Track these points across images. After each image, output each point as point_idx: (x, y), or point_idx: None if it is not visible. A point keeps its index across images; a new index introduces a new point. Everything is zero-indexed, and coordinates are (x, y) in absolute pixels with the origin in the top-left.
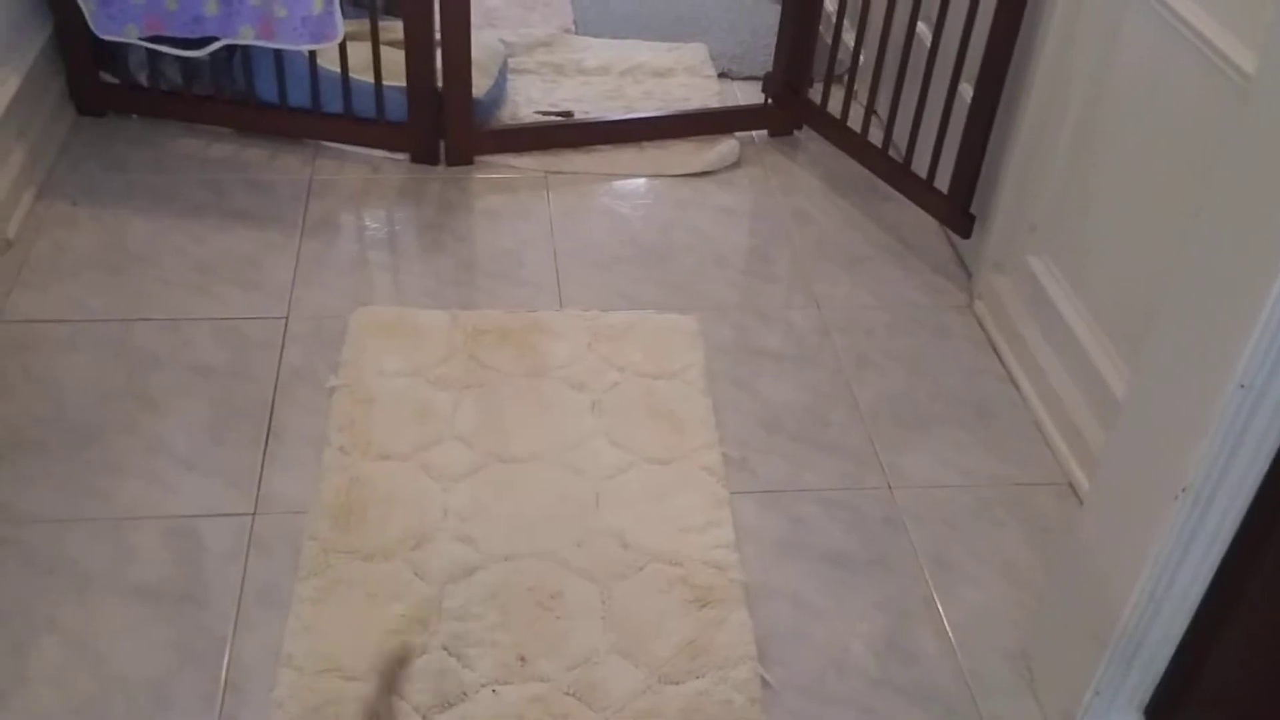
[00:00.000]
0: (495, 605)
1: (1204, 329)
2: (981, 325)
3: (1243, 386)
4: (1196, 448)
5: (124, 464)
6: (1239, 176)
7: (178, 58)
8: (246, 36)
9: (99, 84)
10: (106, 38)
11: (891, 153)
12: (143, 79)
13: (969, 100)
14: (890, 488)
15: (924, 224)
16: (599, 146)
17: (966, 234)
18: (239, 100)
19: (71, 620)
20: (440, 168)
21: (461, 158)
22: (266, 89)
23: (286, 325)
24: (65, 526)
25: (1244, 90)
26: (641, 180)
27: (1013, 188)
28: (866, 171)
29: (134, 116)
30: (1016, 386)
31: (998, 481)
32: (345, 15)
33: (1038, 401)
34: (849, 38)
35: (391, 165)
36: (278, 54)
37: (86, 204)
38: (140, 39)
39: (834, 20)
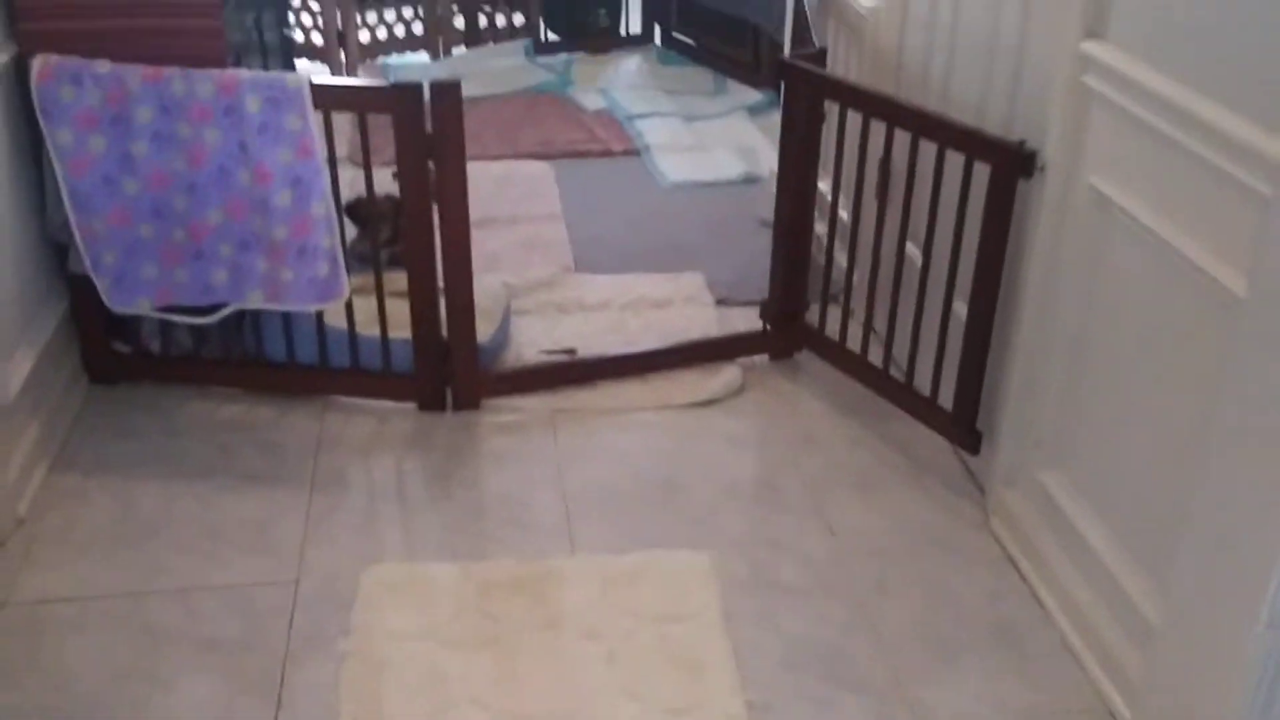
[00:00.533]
0: None
1: (1230, 565)
2: (1000, 543)
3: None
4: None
5: None
6: (1241, 401)
7: (189, 324)
8: (255, 301)
9: (112, 354)
10: (120, 311)
11: (893, 370)
12: (155, 347)
13: (964, 317)
14: None
15: (933, 441)
16: (603, 382)
17: (975, 451)
18: (248, 361)
19: None
20: (448, 414)
21: (468, 403)
22: (275, 349)
23: (296, 589)
24: None
25: (1235, 311)
26: (647, 413)
27: (1017, 403)
28: (871, 390)
29: (145, 383)
30: (1042, 606)
31: (1034, 712)
32: (351, 269)
33: (1065, 621)
34: (841, 257)
35: (399, 415)
36: (285, 314)
37: (99, 475)
38: (153, 310)
39: (825, 242)
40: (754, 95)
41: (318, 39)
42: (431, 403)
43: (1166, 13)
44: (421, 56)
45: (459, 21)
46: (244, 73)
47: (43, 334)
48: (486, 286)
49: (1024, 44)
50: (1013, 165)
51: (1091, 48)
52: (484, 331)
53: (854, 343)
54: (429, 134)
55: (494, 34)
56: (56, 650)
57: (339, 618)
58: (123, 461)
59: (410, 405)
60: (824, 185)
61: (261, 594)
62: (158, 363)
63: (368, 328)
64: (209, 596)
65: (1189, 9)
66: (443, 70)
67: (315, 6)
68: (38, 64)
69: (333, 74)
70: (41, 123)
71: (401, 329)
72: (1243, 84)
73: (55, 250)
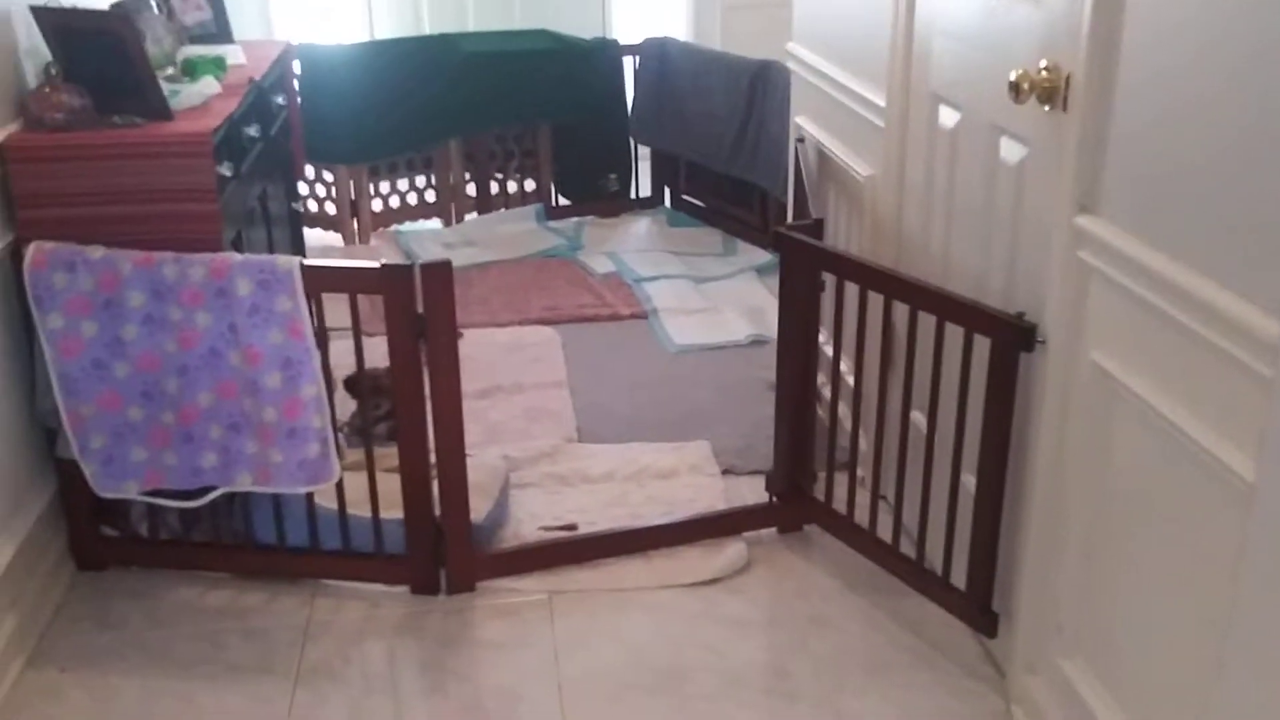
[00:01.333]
0: None
1: None
2: None
3: None
4: None
5: None
6: (1259, 592)
7: (178, 507)
8: (244, 484)
9: (99, 539)
10: (108, 496)
11: (904, 545)
12: (143, 530)
13: (974, 490)
14: None
15: (948, 620)
16: (604, 560)
17: (991, 633)
18: (237, 545)
19: None
20: (441, 597)
21: (462, 585)
22: (265, 531)
23: None
24: None
25: (1246, 497)
26: (650, 593)
27: (1033, 585)
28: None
29: (134, 568)
30: None
31: None
32: (350, 444)
33: None
34: (847, 425)
35: (391, 599)
36: (275, 496)
37: (76, 669)
38: (141, 494)
39: (830, 408)
40: (763, 256)
41: (331, 209)
42: (424, 585)
43: (1157, 187)
44: (434, 223)
45: (471, 188)
46: (235, 256)
47: (27, 521)
48: (485, 460)
49: (1019, 216)
50: (1012, 338)
51: (1085, 223)
52: (480, 509)
53: (863, 514)
54: (419, 314)
55: (506, 200)
56: None
57: None
58: (104, 654)
59: (403, 588)
60: (828, 348)
61: None
62: (146, 547)
63: (363, 506)
64: None
65: (1179, 184)
66: (455, 236)
67: (328, 177)
68: (31, 251)
69: (345, 242)
70: (33, 309)
71: (397, 508)
72: (1237, 262)
73: (44, 435)
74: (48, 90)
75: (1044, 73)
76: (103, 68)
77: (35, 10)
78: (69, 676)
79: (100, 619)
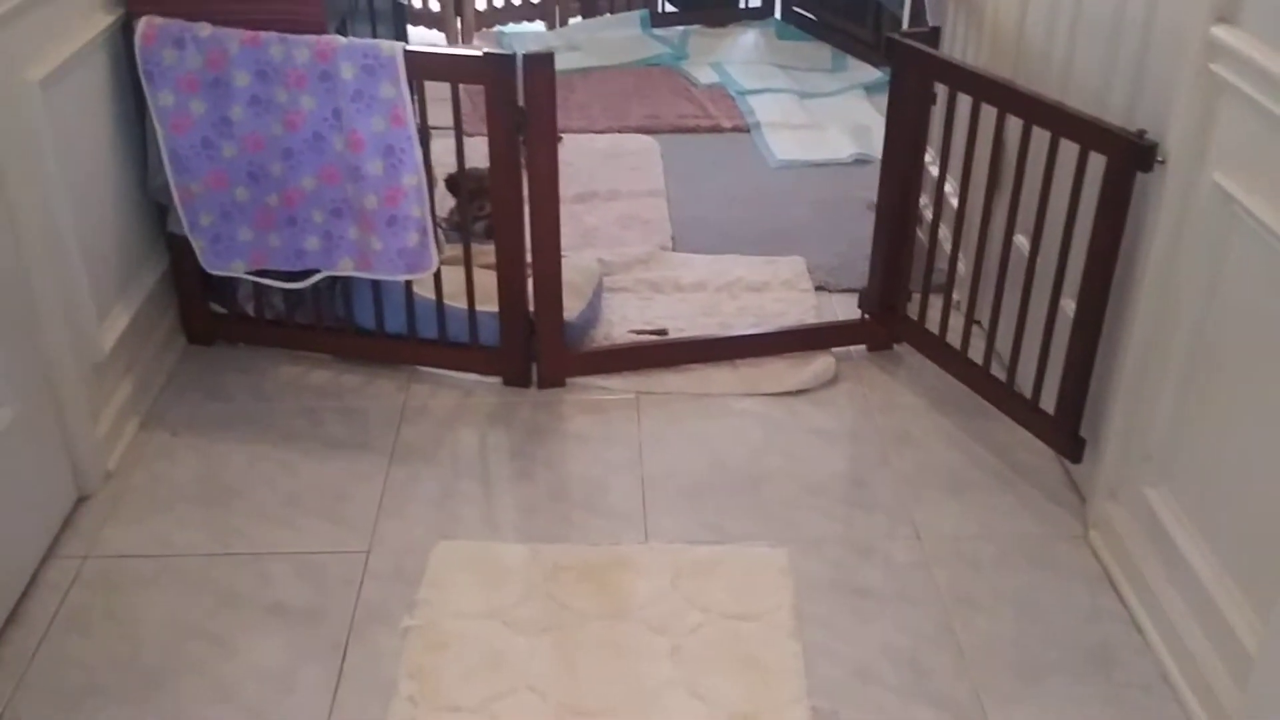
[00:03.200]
0: None
1: None
2: (1098, 558)
3: None
4: None
5: (192, 712)
6: None
7: (282, 288)
8: (346, 268)
9: (209, 314)
10: (215, 273)
11: (995, 368)
12: (249, 309)
13: (1072, 315)
14: None
15: (1033, 444)
16: (692, 365)
17: (1076, 459)
18: (338, 328)
19: None
20: (532, 390)
21: (553, 381)
22: (364, 316)
23: (367, 561)
24: None
25: None
26: (735, 400)
27: (1124, 412)
28: (970, 389)
29: (240, 345)
30: (1139, 630)
31: None
32: (448, 239)
33: (1163, 648)
34: (946, 247)
35: (484, 389)
36: (375, 283)
37: (187, 434)
38: (247, 273)
39: (930, 230)
40: (873, 73)
41: (435, 5)
42: (516, 378)
43: None
44: (538, 25)
45: None
46: (340, 39)
47: (141, 292)
48: (580, 262)
49: (1150, 25)
50: (1130, 157)
51: (1222, 33)
52: (573, 308)
53: (955, 337)
54: (520, 107)
55: (611, 4)
56: (130, 604)
57: (406, 592)
58: (211, 422)
59: (495, 380)
60: (933, 168)
61: (333, 563)
62: (252, 325)
63: (460, 299)
64: (281, 562)
65: None
66: (558, 40)
67: None
68: (142, 26)
69: (449, 41)
70: (144, 84)
71: (493, 302)
72: None
73: (156, 211)
74: None
75: None
76: None
77: None
78: (179, 440)
79: (208, 390)
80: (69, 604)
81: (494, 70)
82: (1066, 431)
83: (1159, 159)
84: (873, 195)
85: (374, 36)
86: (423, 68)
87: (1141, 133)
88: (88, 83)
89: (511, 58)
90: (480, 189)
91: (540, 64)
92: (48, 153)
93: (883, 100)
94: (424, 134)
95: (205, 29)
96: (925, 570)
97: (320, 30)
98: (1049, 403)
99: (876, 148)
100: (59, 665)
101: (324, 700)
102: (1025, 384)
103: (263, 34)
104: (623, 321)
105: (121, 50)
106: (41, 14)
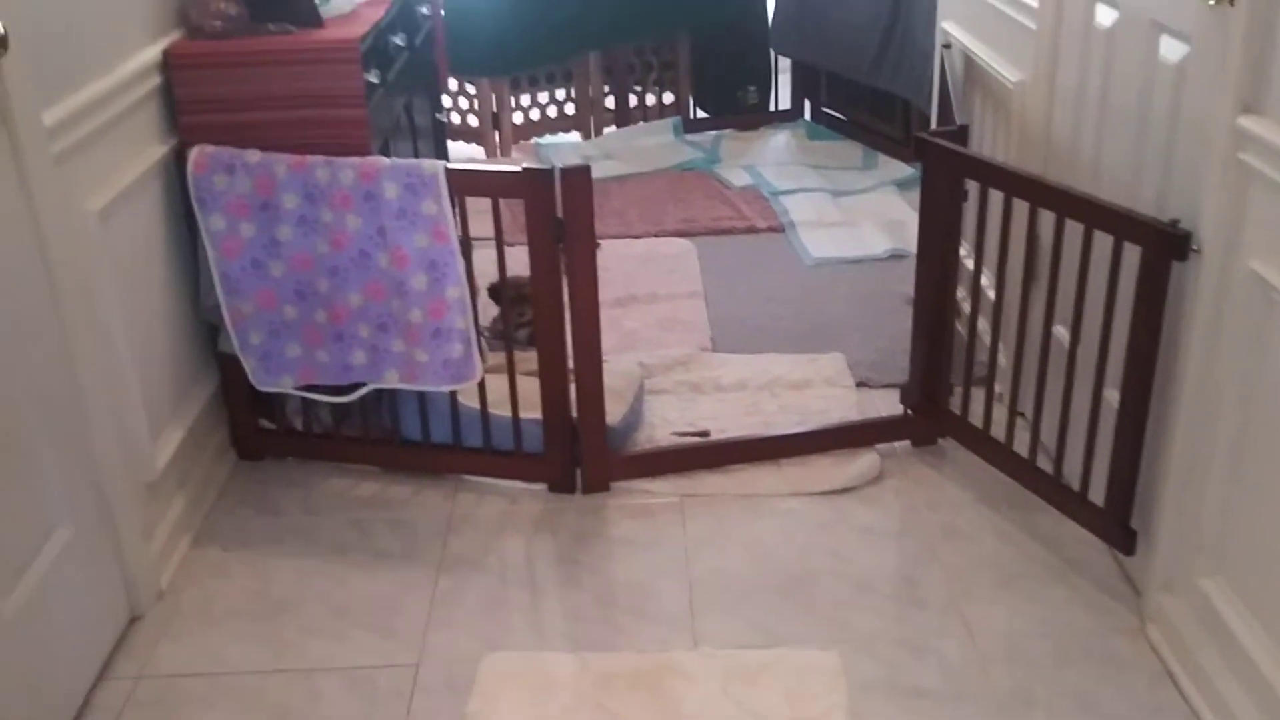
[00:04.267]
0: None
1: None
2: (1156, 651)
3: None
4: None
5: None
6: None
7: (329, 402)
8: (391, 381)
9: (258, 430)
10: (265, 389)
11: (1040, 460)
12: (297, 424)
13: (1116, 405)
14: None
15: (1084, 536)
16: (736, 466)
17: (1129, 551)
18: (385, 439)
19: None
20: (577, 496)
21: (597, 485)
22: (411, 428)
23: (417, 673)
24: None
25: None
26: (780, 500)
27: (1175, 501)
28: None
29: (289, 459)
30: None
31: None
32: (491, 347)
33: None
34: (986, 339)
35: (529, 496)
36: (421, 395)
37: (238, 549)
38: (295, 389)
39: (969, 323)
40: (904, 170)
41: (473, 121)
42: (561, 484)
43: None
44: (573, 136)
45: (610, 101)
46: (383, 160)
47: (192, 411)
48: (621, 366)
49: (1177, 118)
50: (1165, 247)
51: (1249, 123)
52: (615, 413)
53: (999, 429)
54: (559, 218)
55: (644, 113)
56: None
57: (456, 704)
58: (262, 537)
59: (540, 486)
60: (969, 261)
61: (383, 676)
62: (300, 439)
63: (503, 406)
64: (333, 678)
65: None
66: (594, 149)
67: (471, 90)
68: (194, 154)
69: (487, 155)
70: (196, 209)
71: (536, 409)
72: None
73: (207, 331)
74: None
75: None
76: None
77: None
78: (231, 555)
79: (258, 505)
80: None
81: (533, 184)
82: (1117, 523)
83: (1194, 248)
84: (909, 290)
85: (415, 152)
86: (464, 184)
87: (1175, 222)
88: (142, 210)
89: (550, 172)
90: (521, 296)
91: (578, 176)
92: (105, 279)
93: (915, 195)
94: (466, 246)
95: (254, 155)
96: (980, 668)
97: (365, 152)
98: (1098, 494)
99: (911, 242)
100: None
101: None
102: (1072, 476)
103: (309, 158)
104: (665, 424)
105: (174, 178)
106: (101, 147)
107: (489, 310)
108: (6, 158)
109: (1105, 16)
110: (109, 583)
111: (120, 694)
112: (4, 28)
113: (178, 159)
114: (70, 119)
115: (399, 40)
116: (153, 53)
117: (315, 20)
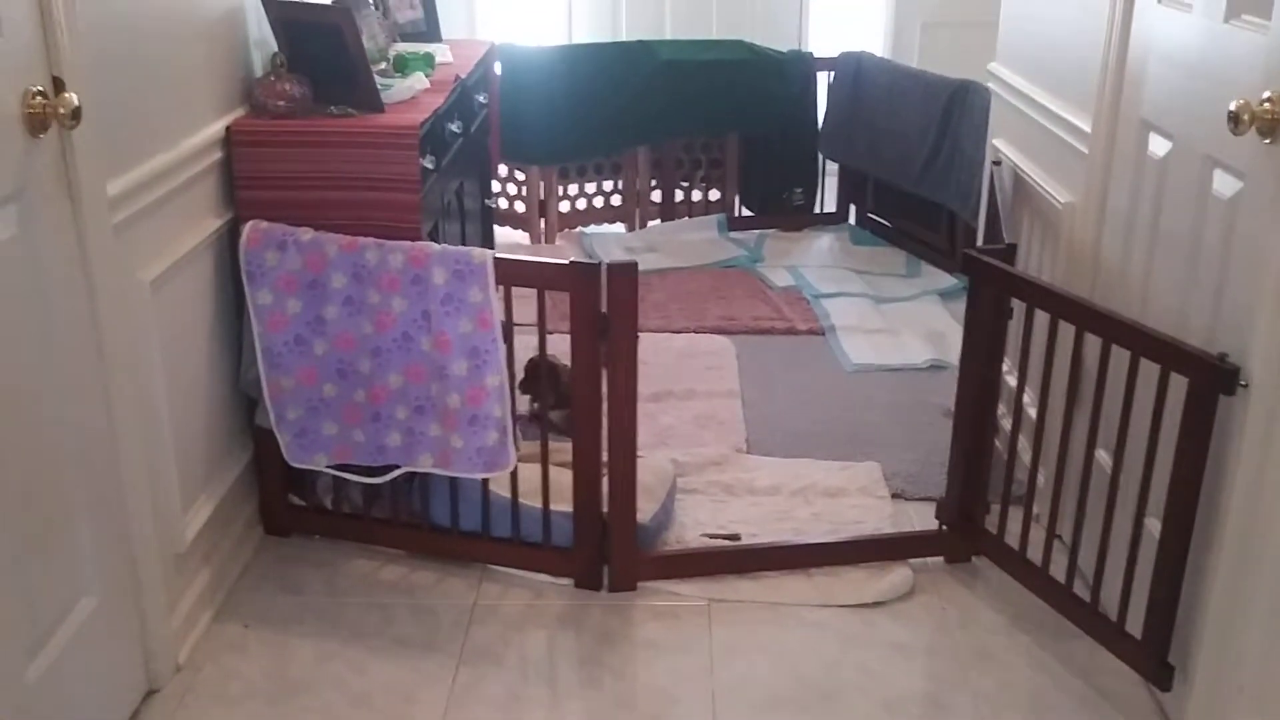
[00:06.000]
0: None
1: None
2: None
3: None
4: None
5: None
6: None
7: (361, 483)
8: (425, 465)
9: (287, 506)
10: (298, 465)
11: (1078, 586)
12: (327, 503)
13: (1157, 536)
14: None
15: (1119, 667)
16: (766, 573)
17: (1165, 686)
18: (413, 523)
19: None
20: (603, 594)
21: (624, 584)
22: (440, 513)
23: None
24: None
25: None
26: (809, 610)
27: (1214, 639)
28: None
29: (316, 537)
30: None
31: None
32: (524, 434)
33: None
34: (1025, 458)
35: (555, 590)
36: (452, 480)
37: (259, 627)
38: (328, 467)
39: (1009, 441)
40: (948, 280)
41: (520, 207)
42: (588, 580)
43: None
44: (618, 227)
45: (656, 195)
46: (433, 246)
47: (224, 484)
48: (654, 463)
49: (1229, 251)
50: (1213, 381)
51: None
52: (646, 510)
53: (1035, 551)
54: (603, 313)
55: (689, 208)
56: None
57: None
58: (284, 615)
59: (567, 581)
60: (1011, 378)
61: None
62: (328, 518)
63: (534, 497)
64: None
65: None
66: (637, 241)
67: (520, 176)
68: (248, 229)
69: (532, 241)
70: (245, 283)
71: (566, 501)
72: None
73: (245, 404)
74: (273, 79)
75: (1266, 104)
76: (323, 59)
77: (266, 3)
78: (251, 633)
79: (282, 582)
80: None
81: (579, 278)
82: (1154, 658)
83: (1242, 383)
84: (949, 402)
85: (463, 235)
86: (511, 274)
87: (1223, 356)
88: (193, 281)
89: (596, 266)
90: (557, 377)
91: (624, 272)
92: (153, 348)
93: (958, 306)
94: (508, 334)
95: (307, 234)
96: None
97: (416, 235)
98: (1135, 625)
99: (952, 354)
100: None
101: None
102: (1110, 605)
103: (360, 239)
104: (695, 525)
105: (227, 251)
106: (160, 219)
107: (524, 400)
108: (68, 226)
109: (1159, 146)
110: (129, 654)
111: None
112: (79, 99)
113: (231, 233)
114: (133, 190)
115: (455, 127)
116: (218, 128)
117: (377, 105)
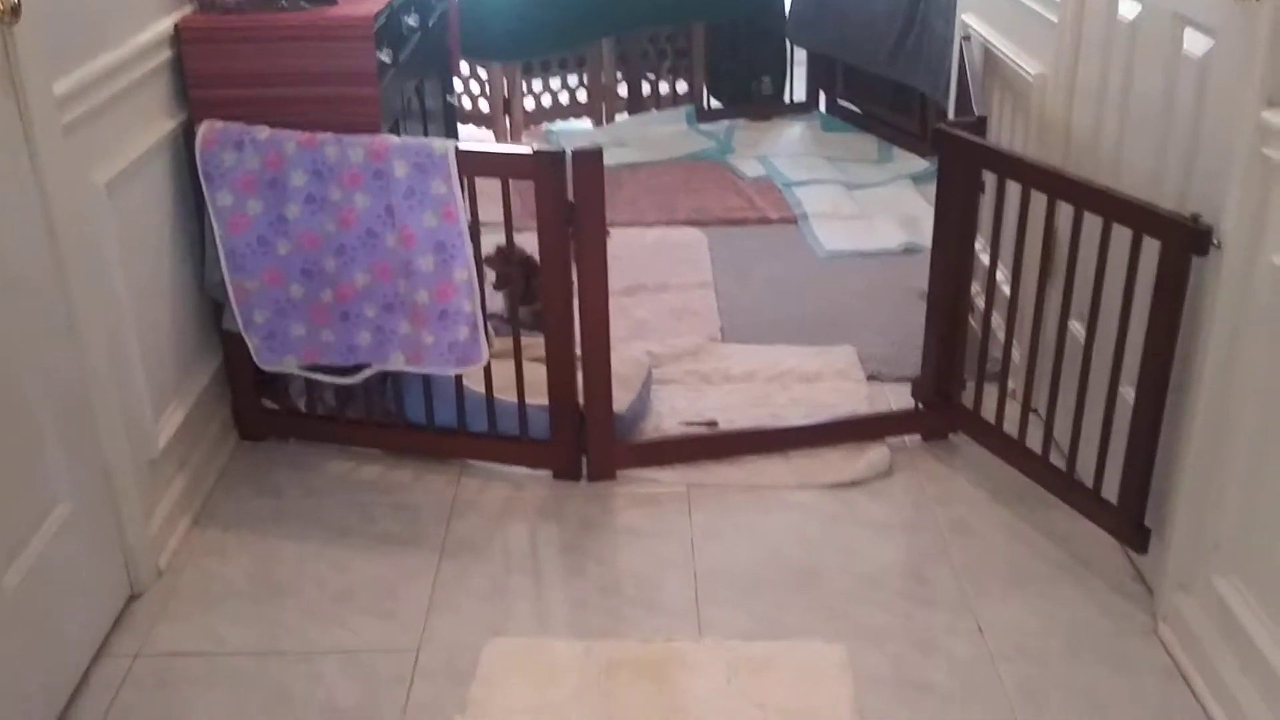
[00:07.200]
0: None
1: None
2: (1169, 653)
3: None
4: None
5: None
6: None
7: (333, 384)
8: (397, 363)
9: (261, 410)
10: (269, 369)
11: (1054, 457)
12: (301, 405)
13: (1132, 402)
14: None
15: (1096, 535)
16: (744, 457)
17: (1141, 549)
18: (388, 423)
19: None
20: (582, 483)
21: (603, 473)
22: (415, 411)
23: (417, 658)
24: None
25: None
26: (788, 492)
27: (1190, 499)
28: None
29: (291, 441)
30: None
31: None
32: (498, 331)
33: None
34: (1000, 335)
35: (534, 482)
36: (426, 378)
37: (238, 530)
38: (299, 369)
39: (983, 318)
40: (920, 164)
41: (484, 106)
42: (567, 471)
43: None
44: (585, 123)
45: (622, 89)
46: (393, 138)
47: (195, 389)
48: (629, 355)
49: (1200, 112)
50: (1186, 241)
51: (1273, 117)
52: (622, 400)
53: (1012, 426)
54: (570, 201)
55: (657, 101)
56: (181, 703)
57: (457, 690)
58: (262, 518)
59: (545, 473)
60: (984, 256)
61: (383, 661)
62: (303, 421)
63: (509, 392)
64: (332, 661)
65: None
66: (605, 136)
67: (482, 74)
68: (203, 129)
69: (497, 140)
70: (204, 185)
71: (542, 395)
72: None
73: (211, 308)
74: None
75: None
76: None
77: None
78: (231, 536)
79: (259, 486)
80: (120, 703)
81: (544, 166)
82: (1130, 521)
83: (1214, 243)
84: (923, 284)
85: (425, 135)
86: (474, 165)
87: (1195, 217)
88: (150, 184)
89: (561, 154)
90: (527, 267)
91: (589, 159)
92: (112, 253)
93: (930, 189)
94: (474, 230)
95: (264, 131)
96: (990, 666)
97: (375, 131)
98: (1111, 491)
99: (925, 237)
100: None
101: None
102: (1086, 473)
103: (319, 135)
104: (672, 414)
105: (183, 153)
106: (111, 120)
107: (496, 298)
108: (15, 126)
109: (1128, 9)
110: (108, 560)
111: (118, 671)
112: None
113: (187, 134)
114: (80, 90)
115: (412, 21)
116: (165, 25)
117: None
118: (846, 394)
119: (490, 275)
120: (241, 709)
